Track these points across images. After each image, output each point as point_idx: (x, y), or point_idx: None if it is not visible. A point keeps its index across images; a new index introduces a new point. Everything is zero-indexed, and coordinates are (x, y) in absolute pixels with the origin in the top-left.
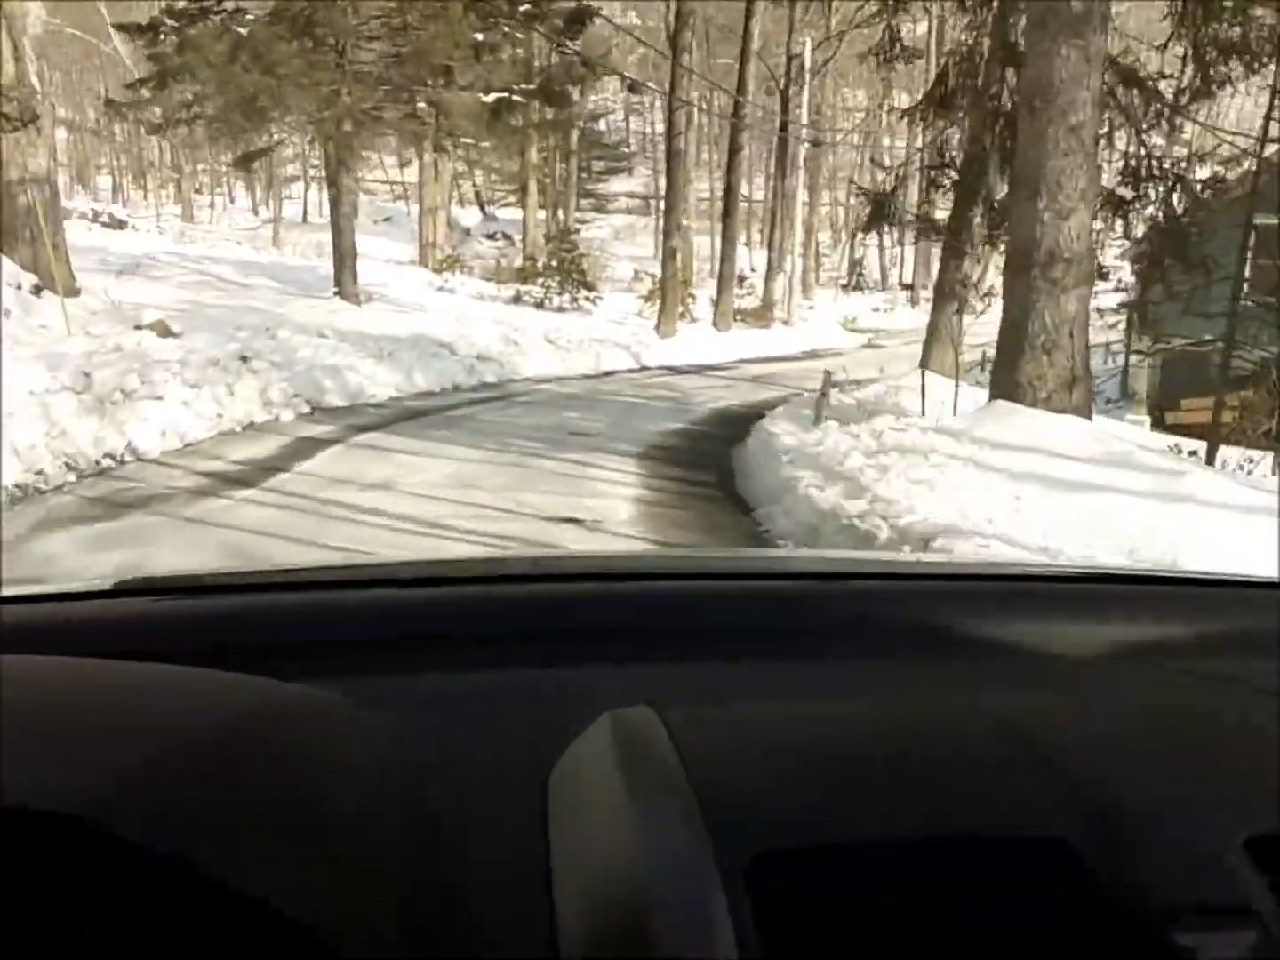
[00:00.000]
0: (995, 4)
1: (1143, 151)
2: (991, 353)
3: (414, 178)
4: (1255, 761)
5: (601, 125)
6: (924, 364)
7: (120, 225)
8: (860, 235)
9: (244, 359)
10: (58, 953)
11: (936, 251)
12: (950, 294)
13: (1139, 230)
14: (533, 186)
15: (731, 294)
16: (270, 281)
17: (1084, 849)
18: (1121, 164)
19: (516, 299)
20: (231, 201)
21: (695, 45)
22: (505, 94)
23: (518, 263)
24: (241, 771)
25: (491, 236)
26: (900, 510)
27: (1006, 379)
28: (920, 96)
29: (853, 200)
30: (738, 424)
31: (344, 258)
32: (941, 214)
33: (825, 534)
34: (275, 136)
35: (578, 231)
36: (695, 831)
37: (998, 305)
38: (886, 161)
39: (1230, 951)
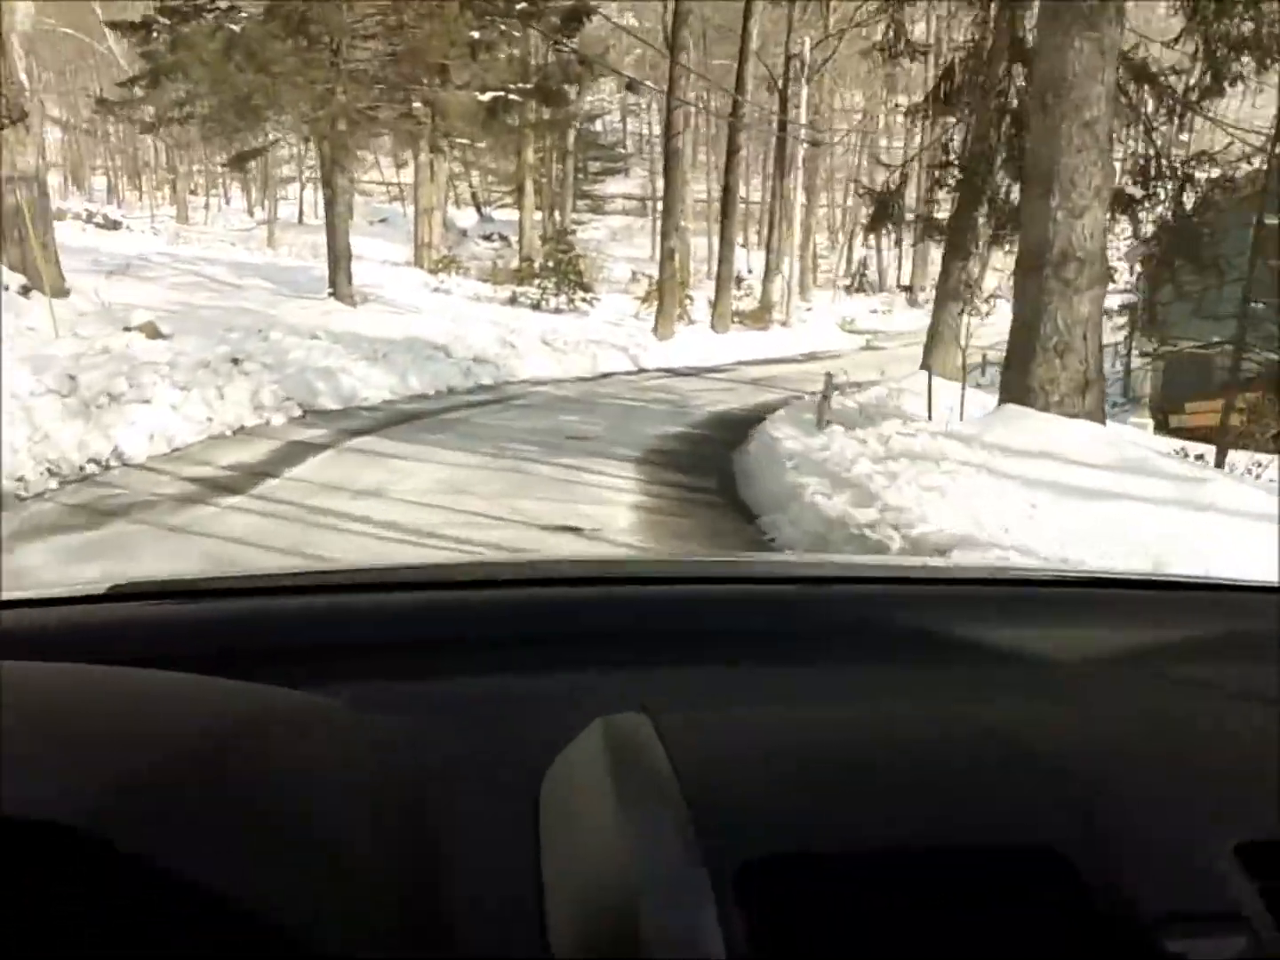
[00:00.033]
0: None
1: (1151, 150)
2: (993, 355)
3: (410, 179)
4: (1249, 767)
5: (598, 126)
6: (925, 366)
7: (114, 226)
8: (863, 235)
9: (235, 361)
10: (56, 958)
11: (935, 253)
12: (953, 295)
13: (1147, 229)
14: (529, 187)
15: (729, 295)
16: (264, 282)
17: (1076, 855)
18: (1130, 162)
19: (513, 300)
20: (227, 202)
21: (693, 45)
22: (501, 93)
23: (514, 264)
24: (237, 778)
25: (488, 237)
26: (912, 519)
27: (1017, 382)
28: (922, 95)
29: (849, 202)
30: (738, 427)
31: (339, 258)
32: (945, 214)
33: (834, 543)
34: (270, 136)
35: (574, 233)
36: (685, 838)
37: (1000, 306)
38: (888, 161)
39: (1220, 957)
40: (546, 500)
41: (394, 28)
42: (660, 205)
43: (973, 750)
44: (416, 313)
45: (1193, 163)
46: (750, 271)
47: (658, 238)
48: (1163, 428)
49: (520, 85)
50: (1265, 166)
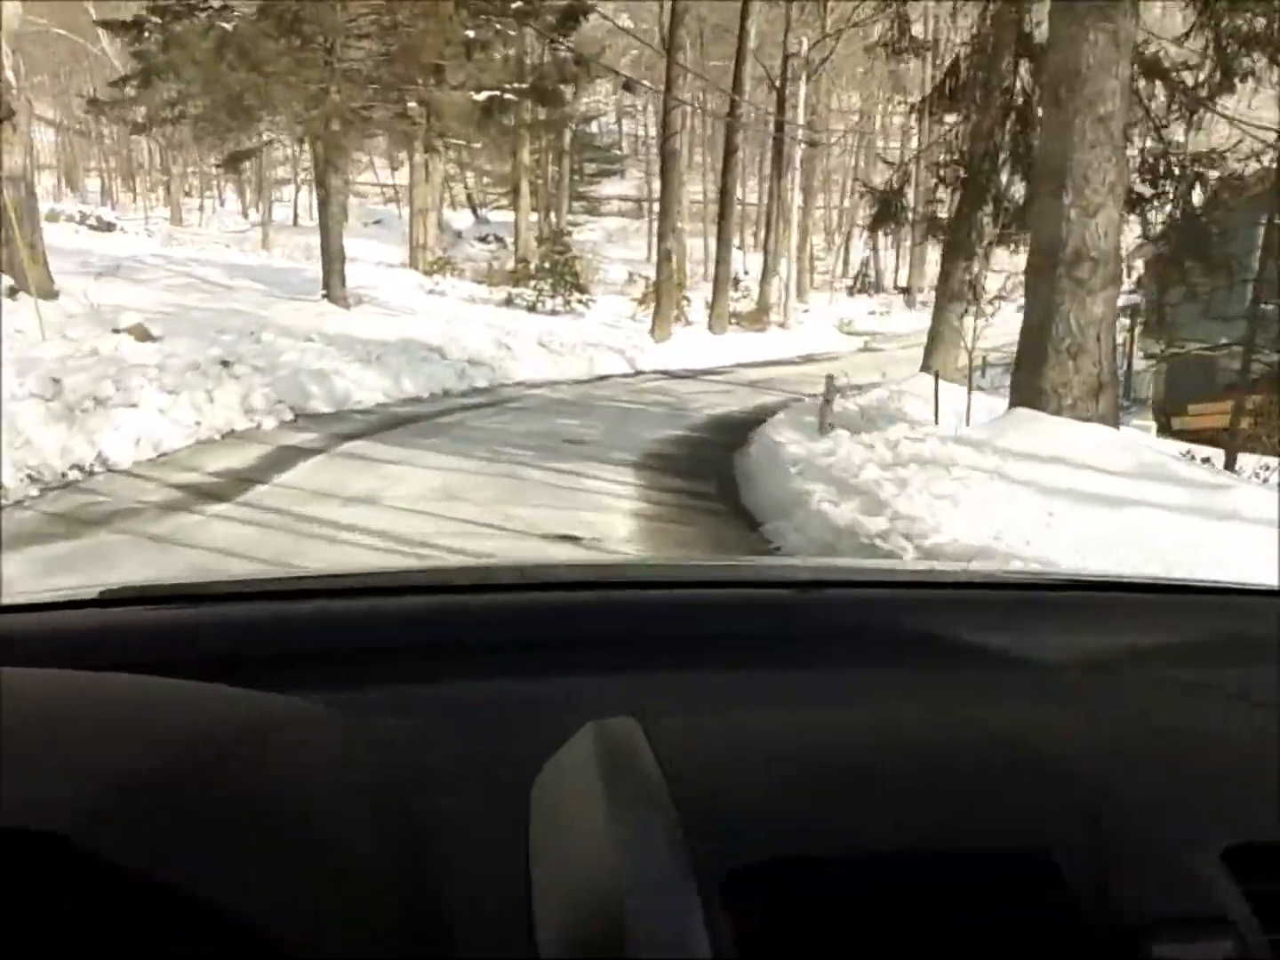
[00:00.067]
0: None
1: (1160, 148)
2: (993, 356)
3: (405, 180)
4: (1248, 769)
5: (594, 128)
6: (926, 368)
7: (108, 228)
8: (866, 235)
9: (225, 364)
10: None
11: (933, 254)
12: (955, 296)
13: (1155, 228)
14: (525, 188)
15: (727, 297)
16: (257, 284)
17: (1066, 859)
18: (1139, 160)
19: (508, 302)
20: (221, 204)
21: (690, 45)
22: (497, 93)
23: (509, 265)
24: (229, 783)
25: (483, 239)
26: (926, 529)
27: (1028, 385)
28: (921, 94)
29: (846, 203)
30: (737, 430)
31: (332, 260)
32: (946, 213)
33: (843, 553)
34: (264, 137)
35: (570, 234)
36: (674, 843)
37: (1002, 307)
38: (888, 161)
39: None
40: (543, 507)
41: (388, 27)
42: (656, 207)
43: (975, 754)
44: (411, 315)
45: (1203, 160)
46: (747, 273)
47: (653, 239)
48: (1165, 430)
49: (516, 85)
50: (1276, 165)
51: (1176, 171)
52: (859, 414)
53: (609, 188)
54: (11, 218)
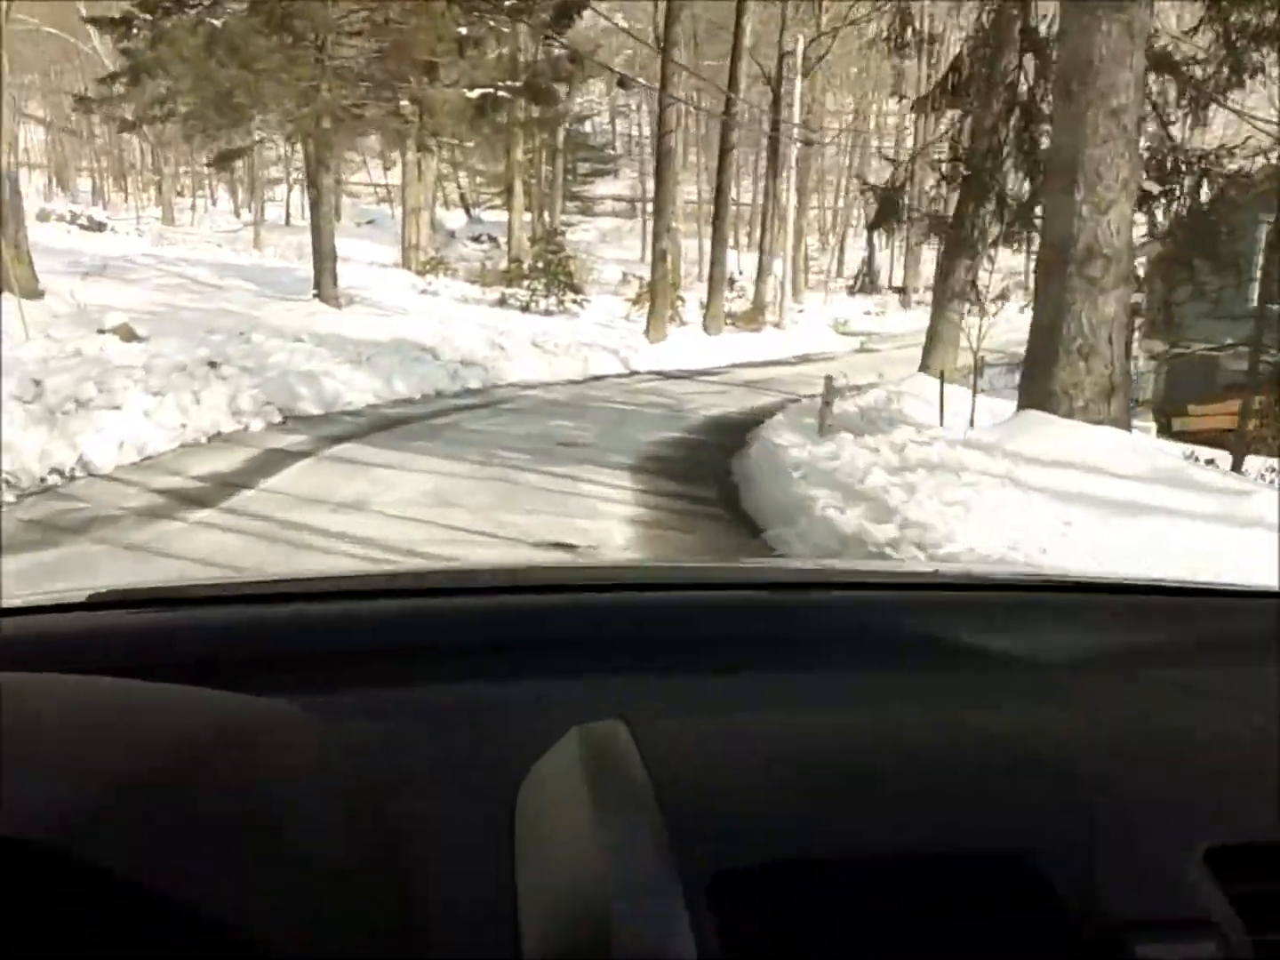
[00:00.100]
0: None
1: (1167, 143)
2: (990, 357)
3: (398, 180)
4: (1247, 770)
5: (587, 127)
6: (924, 368)
7: (99, 227)
8: (867, 233)
9: (213, 365)
10: None
11: (929, 254)
12: (955, 295)
13: (1160, 226)
14: (518, 188)
15: (722, 297)
16: (248, 284)
17: (1062, 861)
18: (1146, 156)
19: (502, 302)
20: (213, 204)
21: (685, 43)
22: (490, 90)
23: (503, 265)
24: (212, 785)
25: (476, 239)
26: (938, 537)
27: (1038, 387)
28: (918, 92)
29: (841, 203)
30: (735, 432)
31: (324, 259)
32: (949, 211)
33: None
34: (255, 135)
35: (564, 233)
36: (660, 847)
37: (1004, 307)
38: (889, 158)
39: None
40: (537, 513)
41: (380, 23)
42: (650, 206)
43: (974, 756)
44: (403, 315)
45: (1211, 156)
46: (742, 273)
47: (647, 239)
48: (1165, 431)
49: (509, 83)
50: None
51: (1183, 168)
52: (859, 415)
53: (603, 187)
54: None
